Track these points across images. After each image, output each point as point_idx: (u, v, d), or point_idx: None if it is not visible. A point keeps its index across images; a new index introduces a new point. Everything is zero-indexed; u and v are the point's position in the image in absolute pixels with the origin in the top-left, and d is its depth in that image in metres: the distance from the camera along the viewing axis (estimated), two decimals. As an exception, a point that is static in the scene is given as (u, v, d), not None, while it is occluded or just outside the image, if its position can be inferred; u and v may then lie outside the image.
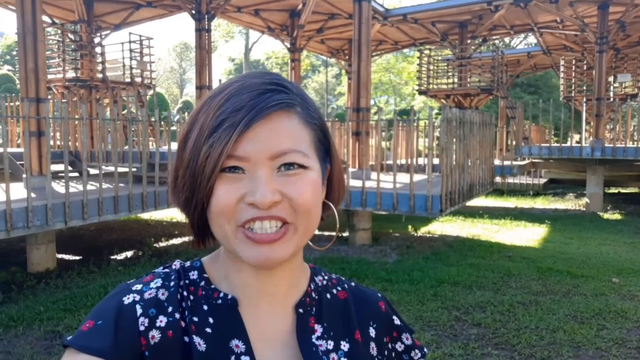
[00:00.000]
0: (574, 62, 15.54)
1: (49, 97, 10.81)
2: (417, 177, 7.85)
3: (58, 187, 6.60)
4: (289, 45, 13.57)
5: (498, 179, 14.31)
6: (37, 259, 6.30)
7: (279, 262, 0.65)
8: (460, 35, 14.50)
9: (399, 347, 0.82)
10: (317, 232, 0.76)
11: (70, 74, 11.06)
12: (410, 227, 9.48)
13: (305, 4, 11.20)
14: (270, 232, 0.63)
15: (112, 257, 7.17)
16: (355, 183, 7.43)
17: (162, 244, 8.26)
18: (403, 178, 7.87)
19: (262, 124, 0.63)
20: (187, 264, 0.75)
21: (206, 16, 10.36)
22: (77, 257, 7.24)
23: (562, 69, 16.31)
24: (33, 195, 5.57)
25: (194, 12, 10.38)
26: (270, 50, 38.28)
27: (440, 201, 6.68)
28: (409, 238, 8.70)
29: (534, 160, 13.90)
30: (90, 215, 5.95)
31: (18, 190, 5.81)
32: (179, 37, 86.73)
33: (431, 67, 15.01)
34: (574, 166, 14.18)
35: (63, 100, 10.73)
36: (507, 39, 27.32)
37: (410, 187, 6.85)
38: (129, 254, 7.48)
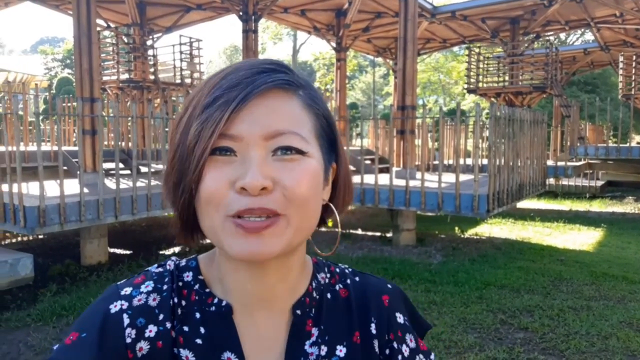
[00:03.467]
0: (634, 58, 14.75)
1: (104, 98, 11.28)
2: (464, 177, 7.67)
3: (110, 183, 6.85)
4: (334, 45, 13.57)
5: (551, 181, 13.80)
6: (90, 253, 6.56)
7: (268, 256, 0.58)
8: (512, 32, 14.05)
9: (405, 350, 0.72)
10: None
11: (124, 76, 11.49)
12: (456, 228, 9.26)
13: (351, 3, 11.17)
14: (260, 220, 0.57)
15: (161, 252, 7.38)
16: (399, 182, 7.33)
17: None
18: (449, 178, 7.70)
19: (258, 102, 0.58)
20: (183, 262, 0.70)
21: (253, 17, 10.51)
22: (128, 252, 7.49)
23: (621, 65, 15.50)
24: (86, 190, 5.82)
25: (241, 13, 10.55)
26: (317, 52, 38.44)
27: (487, 201, 6.48)
28: (455, 239, 8.51)
29: (590, 162, 13.30)
30: (139, 211, 6.14)
31: (72, 186, 6.07)
32: (228, 39, 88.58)
33: (481, 65, 14.63)
34: (634, 168, 13.48)
35: (116, 101, 11.15)
36: (562, 35, 26.33)
37: (456, 186, 6.69)
38: (177, 249, 7.68)
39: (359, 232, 9.07)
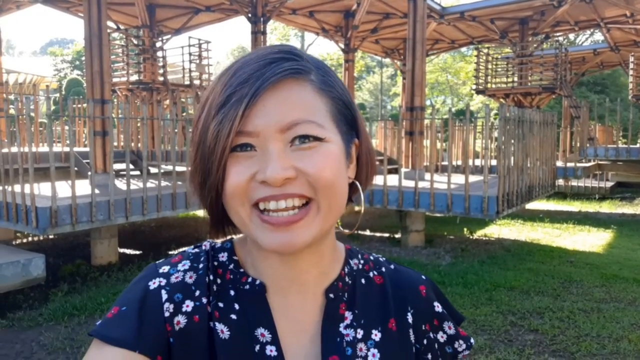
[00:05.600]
0: (645, 58, 14.65)
1: (114, 99, 11.35)
2: (473, 178, 7.64)
3: (120, 184, 6.90)
4: (342, 46, 13.57)
5: (561, 182, 13.72)
6: (100, 253, 6.61)
7: (301, 247, 0.60)
8: (521, 33, 13.99)
9: (441, 337, 0.74)
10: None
11: (134, 77, 11.56)
12: (465, 229, 9.24)
13: (360, 4, 11.17)
14: (288, 216, 0.58)
15: (170, 252, 7.42)
16: (407, 183, 7.32)
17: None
18: (458, 179, 7.68)
19: (270, 95, 0.58)
20: (218, 244, 0.72)
21: (262, 19, 10.54)
22: (138, 252, 7.54)
23: (631, 66, 15.38)
24: (97, 191, 5.86)
25: (250, 15, 10.59)
26: (325, 52, 38.45)
27: (497, 202, 6.46)
28: (464, 241, 8.48)
29: (600, 162, 13.20)
30: (149, 211, 6.18)
31: (83, 187, 6.12)
32: (236, 40, 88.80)
33: (490, 66, 14.57)
34: (644, 169, 13.36)
35: (126, 103, 11.23)
36: (571, 36, 26.17)
37: (465, 188, 6.68)
38: (187, 249, 7.71)
39: (368, 232, 9.06)
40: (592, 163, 12.69)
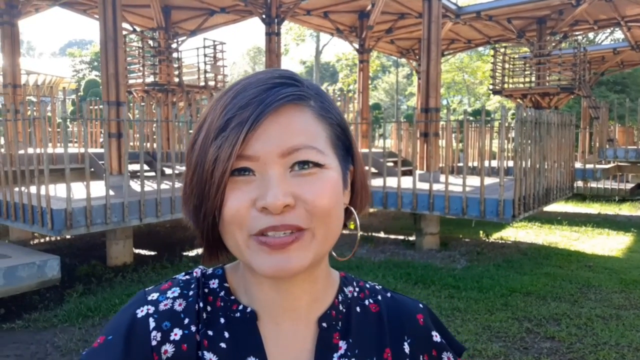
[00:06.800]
0: (667, 57, 14.34)
1: (130, 101, 11.46)
2: (489, 181, 7.55)
3: (135, 185, 6.95)
4: (357, 47, 13.52)
5: (580, 183, 13.49)
6: (115, 254, 6.66)
7: (296, 272, 0.59)
8: (539, 32, 13.79)
9: None
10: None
11: (149, 79, 11.65)
12: (481, 232, 9.13)
13: (375, 5, 11.11)
14: (284, 236, 0.57)
15: (184, 253, 7.45)
16: (422, 186, 7.25)
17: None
18: (474, 181, 7.59)
19: (271, 120, 0.58)
20: (209, 271, 0.71)
21: (276, 20, 10.54)
22: (152, 253, 7.59)
23: (653, 65, 15.10)
24: (112, 193, 5.91)
25: (264, 16, 10.59)
26: (340, 52, 38.37)
27: (513, 206, 6.36)
28: (480, 244, 8.38)
29: (619, 164, 12.94)
30: (163, 213, 6.21)
31: (99, 188, 6.17)
32: (251, 41, 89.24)
33: (507, 66, 14.39)
34: (666, 170, 13.07)
35: (142, 104, 11.32)
36: (590, 35, 25.75)
37: (480, 191, 6.59)
38: (200, 251, 7.73)
39: (382, 235, 9.01)
40: (611, 164, 12.45)
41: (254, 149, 0.57)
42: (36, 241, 8.12)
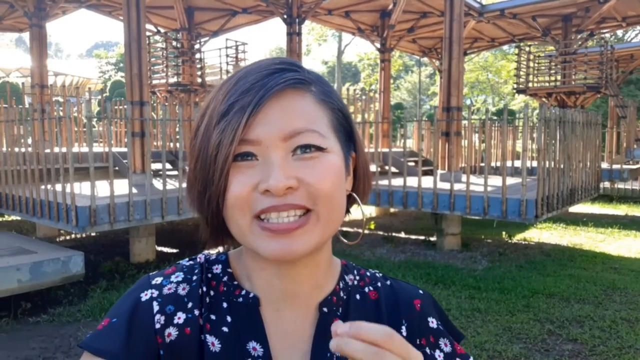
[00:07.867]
0: (699, 55, 13.94)
1: (154, 101, 11.63)
2: (511, 180, 7.44)
3: (157, 184, 7.05)
4: (379, 46, 13.47)
5: (606, 184, 13.20)
6: (138, 251, 6.77)
7: (301, 255, 0.59)
8: (564, 30, 13.54)
9: (438, 356, 0.71)
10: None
11: (173, 79, 11.82)
12: (503, 233, 9.00)
13: (396, 4, 11.06)
14: (288, 222, 0.58)
15: (206, 251, 7.52)
16: (443, 185, 7.19)
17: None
18: (496, 181, 7.49)
19: (272, 104, 0.58)
20: (213, 256, 0.72)
21: (297, 20, 10.58)
22: (175, 250, 7.69)
23: (684, 63, 14.70)
24: (135, 191, 6.01)
25: (285, 16, 10.64)
26: (362, 52, 38.29)
27: (536, 206, 6.26)
28: (502, 245, 8.27)
29: (648, 164, 12.64)
30: (185, 211, 6.28)
31: (122, 186, 6.28)
32: (273, 41, 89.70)
33: (531, 64, 14.17)
34: (697, 171, 12.70)
35: (165, 104, 11.49)
36: (619, 32, 25.16)
37: (502, 190, 6.50)
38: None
39: (402, 235, 8.95)
40: (639, 165, 12.16)
41: (256, 132, 0.58)
42: (62, 238, 8.30)
